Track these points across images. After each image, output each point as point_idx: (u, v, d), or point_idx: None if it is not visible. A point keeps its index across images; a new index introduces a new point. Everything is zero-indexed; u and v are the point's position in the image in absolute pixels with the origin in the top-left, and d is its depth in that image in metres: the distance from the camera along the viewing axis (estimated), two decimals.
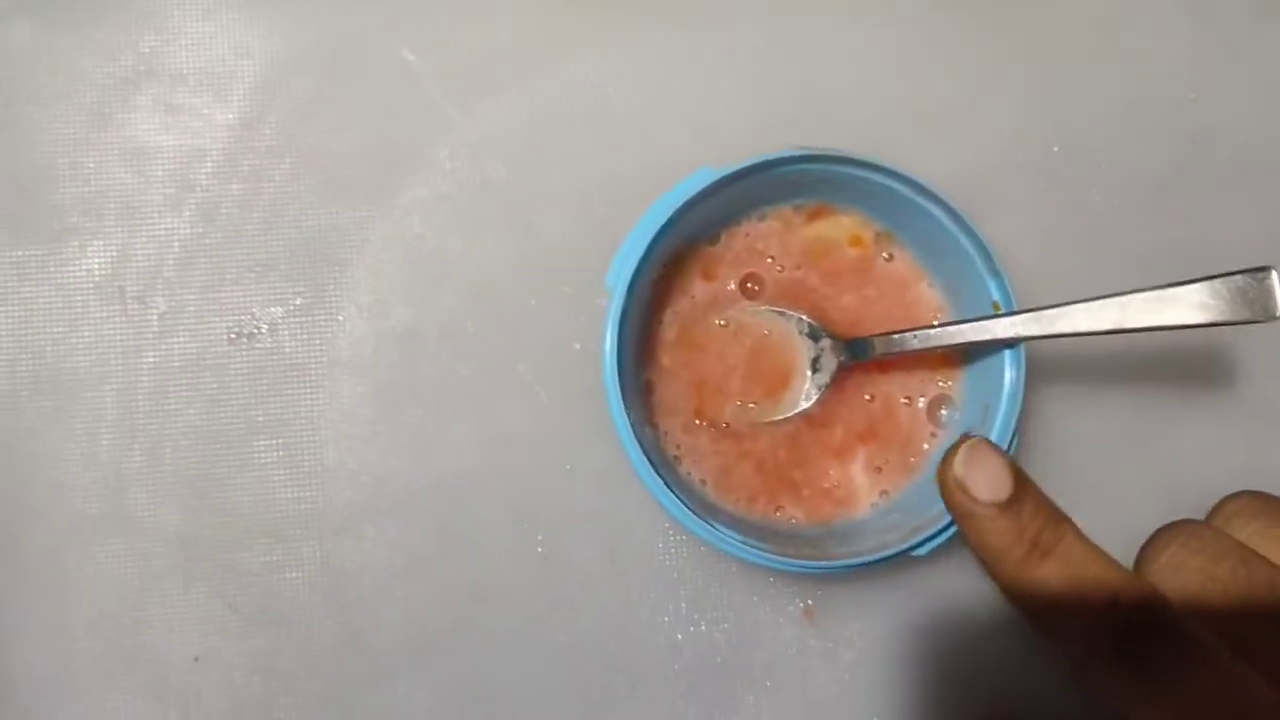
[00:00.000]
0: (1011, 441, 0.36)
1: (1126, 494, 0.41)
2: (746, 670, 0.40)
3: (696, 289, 0.40)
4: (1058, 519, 0.32)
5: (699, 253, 0.40)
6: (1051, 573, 0.30)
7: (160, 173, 0.40)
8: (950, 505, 0.33)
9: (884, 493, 0.39)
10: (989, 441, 0.32)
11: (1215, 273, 0.33)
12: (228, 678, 0.39)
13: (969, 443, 0.32)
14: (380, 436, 0.40)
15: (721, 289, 0.40)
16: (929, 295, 0.40)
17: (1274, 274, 0.33)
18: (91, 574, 0.39)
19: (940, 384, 0.40)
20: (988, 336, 0.36)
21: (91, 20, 0.40)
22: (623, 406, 0.35)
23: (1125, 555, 0.38)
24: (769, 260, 0.40)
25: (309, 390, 0.40)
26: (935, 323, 0.39)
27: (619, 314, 0.35)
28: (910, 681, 0.40)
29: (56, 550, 0.39)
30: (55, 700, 0.39)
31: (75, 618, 0.39)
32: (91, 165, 0.40)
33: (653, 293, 0.39)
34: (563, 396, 0.40)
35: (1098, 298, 0.34)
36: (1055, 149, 0.43)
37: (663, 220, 0.35)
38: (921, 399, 0.40)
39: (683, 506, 0.35)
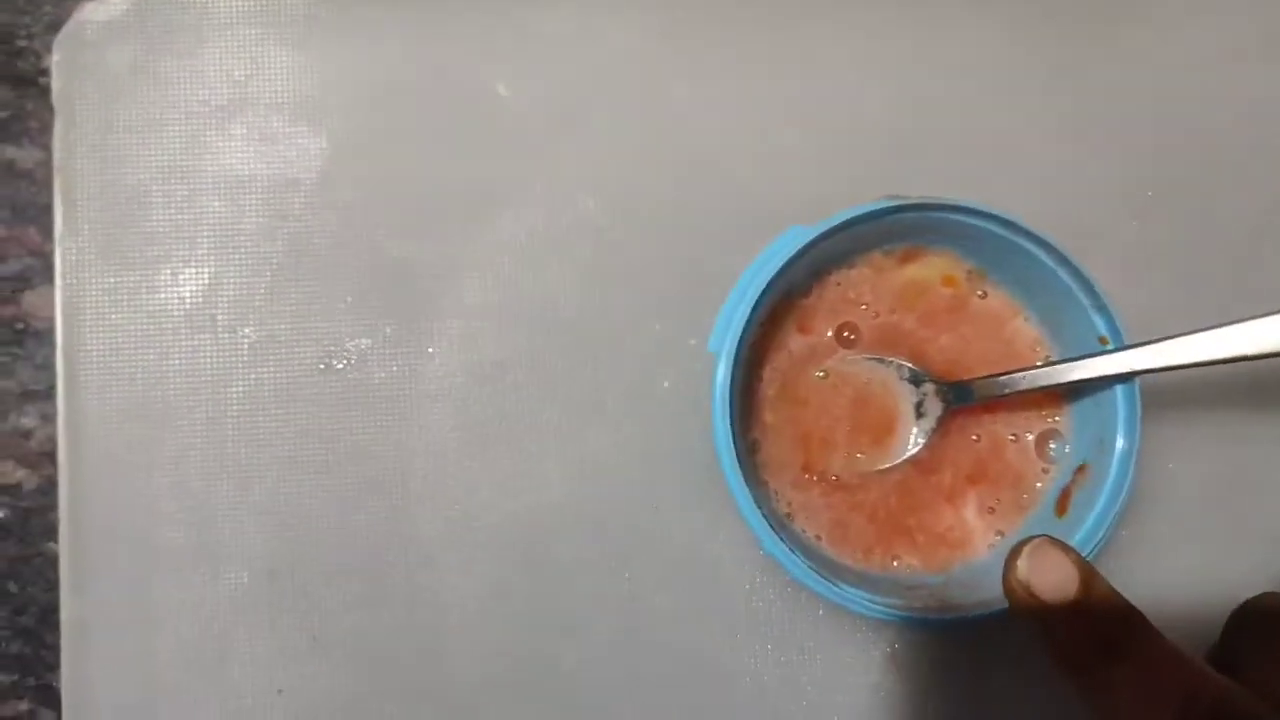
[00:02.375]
0: (1129, 478, 0.36)
1: (1230, 528, 0.41)
2: (832, 713, 0.40)
3: (793, 343, 0.40)
4: (1129, 615, 0.31)
5: (793, 306, 0.40)
6: (1124, 674, 0.30)
7: (253, 202, 0.40)
8: (1016, 607, 0.32)
9: (999, 533, 0.39)
10: (1054, 539, 0.32)
11: None
12: (311, 711, 0.39)
13: (1033, 543, 0.32)
14: (468, 469, 0.40)
15: (818, 340, 0.40)
16: (1026, 330, 0.40)
17: None
18: (178, 603, 0.39)
19: (1048, 419, 0.40)
20: (1098, 373, 0.36)
21: (190, 49, 0.40)
22: (740, 476, 0.35)
23: (1224, 594, 0.38)
24: (863, 307, 0.40)
25: (397, 422, 0.40)
26: (1042, 362, 0.39)
27: (727, 383, 0.35)
28: None
29: (144, 579, 0.39)
30: None
31: (161, 647, 0.39)
32: (185, 193, 0.40)
33: (751, 352, 0.39)
34: (650, 433, 0.40)
35: (1218, 325, 0.34)
36: (1149, 193, 0.42)
37: (761, 286, 0.35)
38: (1029, 435, 0.40)
39: (810, 572, 0.35)
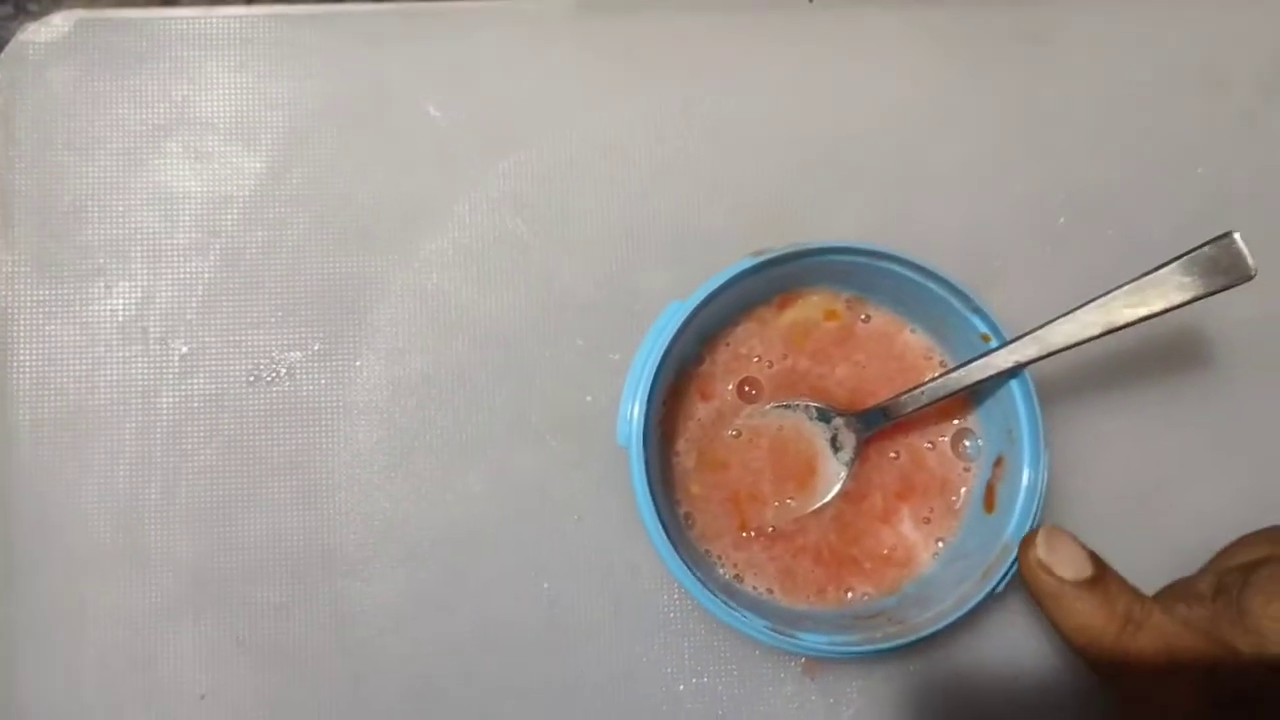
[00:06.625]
0: (1042, 461, 0.37)
1: (1144, 516, 0.43)
2: None
3: (699, 411, 0.40)
4: (1140, 595, 0.33)
5: (689, 376, 0.40)
6: (1147, 644, 0.32)
7: (187, 218, 0.41)
8: (1036, 588, 0.34)
9: (940, 540, 0.40)
10: (1062, 529, 0.34)
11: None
12: (234, 715, 0.40)
13: (1046, 528, 0.34)
14: (393, 481, 0.41)
15: (722, 403, 0.40)
16: (914, 341, 0.41)
17: (1237, 235, 0.34)
18: (105, 606, 0.40)
19: (957, 422, 0.41)
20: (990, 372, 0.37)
21: (129, 69, 0.42)
22: (683, 564, 0.35)
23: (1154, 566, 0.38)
24: (756, 360, 0.41)
25: (324, 433, 0.41)
26: (935, 374, 0.40)
27: (643, 469, 0.36)
28: None
29: (73, 583, 0.40)
30: None
31: (88, 650, 0.39)
32: (121, 208, 0.41)
33: (661, 431, 0.40)
34: (573, 447, 0.41)
35: (1080, 305, 0.35)
36: (1061, 220, 0.44)
37: (653, 370, 0.36)
38: (943, 438, 0.41)
39: (769, 632, 0.36)
